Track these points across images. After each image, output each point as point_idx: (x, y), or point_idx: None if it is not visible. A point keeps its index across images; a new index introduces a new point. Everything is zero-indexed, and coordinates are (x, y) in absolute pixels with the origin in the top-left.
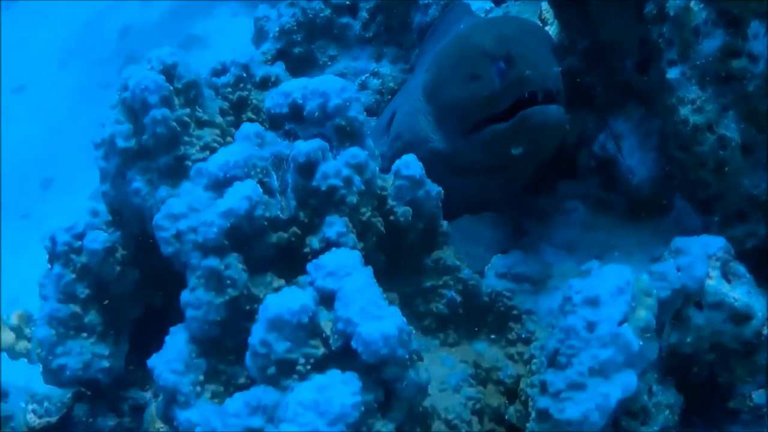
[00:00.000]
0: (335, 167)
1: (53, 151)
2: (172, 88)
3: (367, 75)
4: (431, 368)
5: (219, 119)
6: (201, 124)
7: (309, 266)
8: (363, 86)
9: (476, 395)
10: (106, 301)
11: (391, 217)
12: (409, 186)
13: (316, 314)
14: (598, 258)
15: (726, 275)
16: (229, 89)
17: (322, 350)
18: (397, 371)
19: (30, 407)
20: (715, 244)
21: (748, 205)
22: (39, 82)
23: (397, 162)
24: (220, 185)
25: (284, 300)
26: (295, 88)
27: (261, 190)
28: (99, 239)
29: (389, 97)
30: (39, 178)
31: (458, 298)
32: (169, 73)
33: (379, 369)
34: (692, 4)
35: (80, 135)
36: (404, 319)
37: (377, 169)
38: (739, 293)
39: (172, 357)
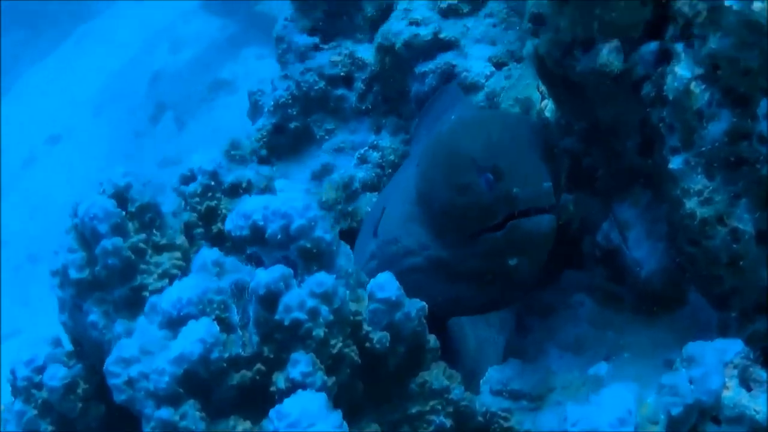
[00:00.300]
0: (299, 298)
1: None
2: (124, 213)
3: (366, 148)
4: None
5: (180, 240)
6: (159, 248)
7: (271, 413)
8: (362, 160)
9: None
10: None
11: (367, 344)
12: (385, 309)
13: None
14: (606, 359)
15: (746, 382)
16: (197, 199)
17: None
18: None
19: None
20: (732, 348)
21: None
22: (74, 132)
23: (372, 283)
24: (174, 324)
25: None
26: (255, 208)
27: (217, 329)
28: (58, 375)
29: (390, 171)
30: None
31: (448, 423)
32: (122, 196)
33: None
34: (693, 85)
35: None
36: None
37: (347, 293)
38: (761, 403)
39: None
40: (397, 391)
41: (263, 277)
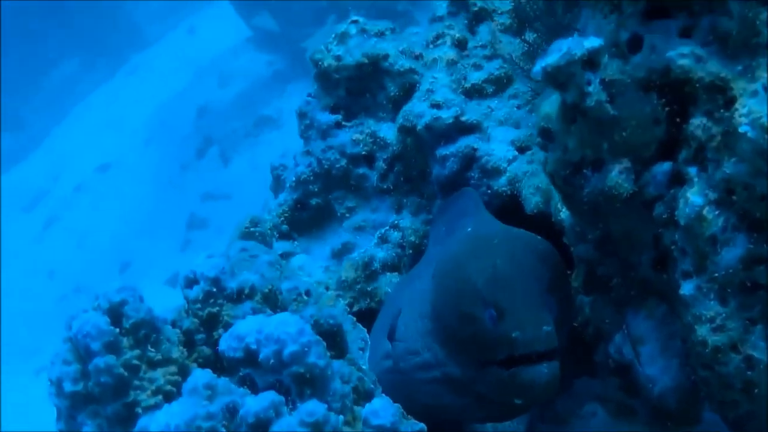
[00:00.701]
0: (289, 428)
1: (133, 232)
2: (117, 331)
3: (387, 228)
4: None
5: (176, 353)
6: (153, 364)
7: None
8: (383, 240)
9: None
10: None
11: None
12: None
13: None
14: None
15: None
16: (198, 305)
17: None
18: None
19: None
20: None
21: None
22: (123, 161)
23: (366, 409)
24: None
25: None
26: (248, 331)
27: None
28: None
29: (410, 251)
30: (118, 260)
31: None
32: (117, 311)
33: None
34: (706, 211)
35: (159, 217)
36: None
37: (340, 422)
38: None
39: None
40: None
41: (253, 405)
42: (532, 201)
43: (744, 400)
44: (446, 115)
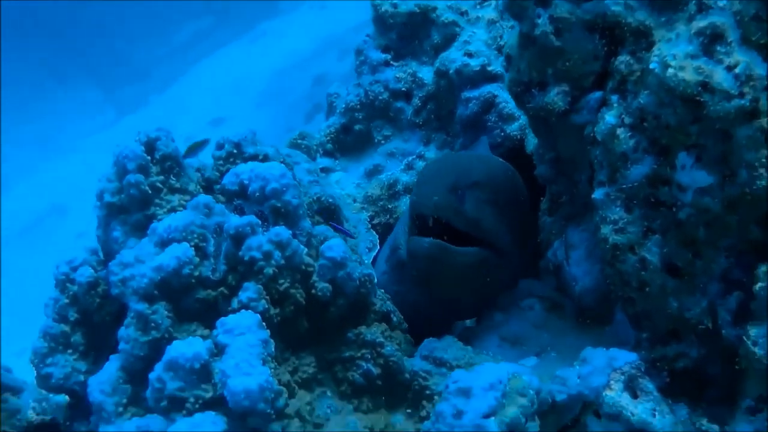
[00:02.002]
0: (258, 242)
1: None
2: (149, 158)
3: (414, 157)
4: (333, 427)
5: (192, 187)
6: (173, 190)
7: (217, 322)
8: (409, 167)
9: None
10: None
11: (313, 291)
12: (329, 266)
13: (209, 363)
14: (537, 355)
15: (633, 390)
16: (221, 162)
17: (210, 393)
18: (259, 421)
19: (32, 405)
20: (623, 358)
21: (682, 326)
22: (235, 118)
23: (324, 245)
24: (163, 244)
25: (182, 346)
26: (244, 170)
27: (192, 253)
28: (85, 274)
29: None
30: None
31: (375, 371)
32: (151, 146)
33: (244, 417)
34: (619, 131)
35: None
36: (270, 378)
37: (301, 247)
38: (641, 409)
39: (104, 380)
40: (337, 337)
41: (235, 221)
42: (531, 143)
43: (639, 298)
44: (474, 63)
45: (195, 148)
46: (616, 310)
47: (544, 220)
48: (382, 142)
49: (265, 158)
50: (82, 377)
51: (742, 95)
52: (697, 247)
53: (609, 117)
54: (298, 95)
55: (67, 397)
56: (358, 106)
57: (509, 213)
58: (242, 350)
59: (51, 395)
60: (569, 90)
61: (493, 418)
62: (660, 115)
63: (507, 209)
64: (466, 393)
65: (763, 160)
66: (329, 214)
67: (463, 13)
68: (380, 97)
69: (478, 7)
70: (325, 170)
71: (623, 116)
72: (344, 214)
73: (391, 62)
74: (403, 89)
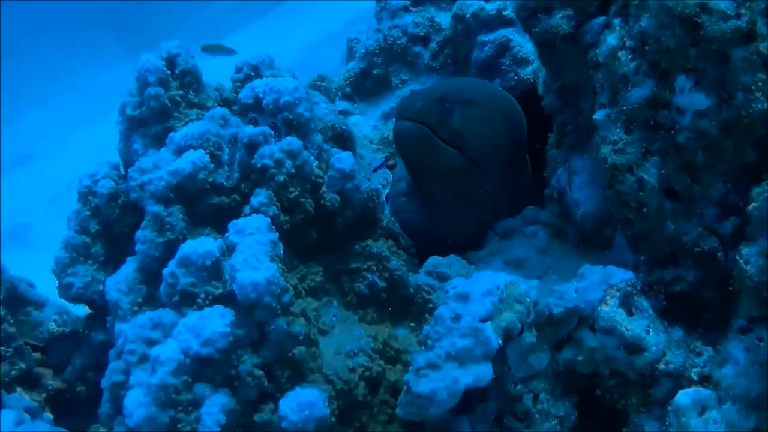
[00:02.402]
0: (270, 150)
1: None
2: (169, 73)
3: None
4: (338, 335)
5: (210, 103)
6: (191, 105)
7: (229, 224)
8: None
9: (369, 365)
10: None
11: (322, 201)
12: (338, 177)
13: (219, 261)
14: (538, 278)
15: (629, 307)
16: (239, 84)
17: (220, 290)
18: (265, 314)
19: (53, 317)
20: (619, 275)
21: (680, 250)
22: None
23: (333, 156)
24: (180, 151)
25: (194, 244)
26: (260, 85)
27: (207, 159)
28: (106, 186)
29: None
30: None
31: (380, 283)
32: (172, 61)
33: (251, 311)
34: (620, 53)
35: None
36: (277, 274)
37: (311, 158)
38: (635, 325)
39: (120, 279)
40: (344, 248)
41: (249, 130)
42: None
43: (637, 218)
44: (490, 8)
45: (216, 49)
46: (615, 234)
47: (551, 154)
48: (400, 85)
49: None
50: (101, 287)
51: (738, 16)
52: (696, 171)
53: (611, 39)
54: (330, 70)
55: (86, 308)
56: (377, 51)
57: (503, 139)
58: (251, 246)
59: (70, 309)
60: (574, 14)
61: (489, 322)
62: (660, 38)
63: (501, 135)
64: (465, 298)
65: (760, 83)
66: (342, 141)
67: None
68: (398, 42)
69: None
70: (344, 113)
71: (625, 39)
72: (360, 153)
73: (410, 8)
74: (421, 34)
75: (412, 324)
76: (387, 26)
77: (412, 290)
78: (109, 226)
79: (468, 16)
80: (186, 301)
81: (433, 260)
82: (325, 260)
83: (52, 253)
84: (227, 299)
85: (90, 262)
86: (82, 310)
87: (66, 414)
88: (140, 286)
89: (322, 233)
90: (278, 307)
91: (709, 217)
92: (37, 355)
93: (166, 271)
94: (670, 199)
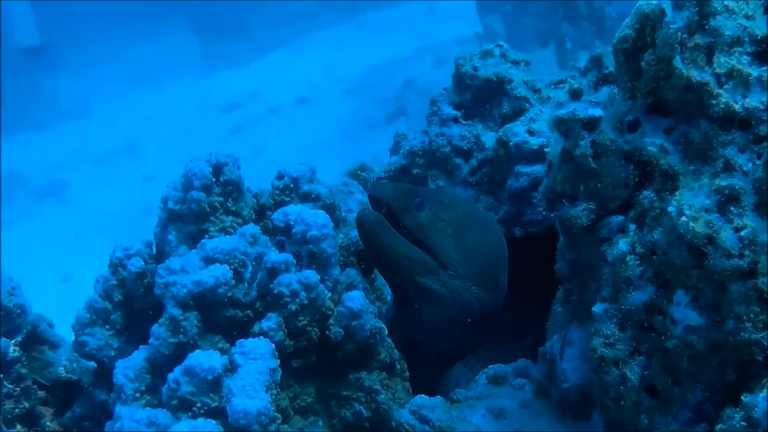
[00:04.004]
0: (289, 280)
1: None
2: (214, 180)
3: None
4: None
5: (246, 212)
6: (228, 212)
7: (237, 342)
8: None
9: None
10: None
11: (327, 332)
12: (346, 314)
13: (221, 377)
14: None
15: None
16: (278, 192)
17: (216, 403)
18: None
19: (64, 362)
20: None
21: None
22: (320, 102)
23: (345, 293)
24: (208, 261)
25: (201, 357)
26: (293, 212)
27: (230, 276)
28: (137, 264)
29: None
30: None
31: (365, 413)
32: (219, 169)
33: None
34: (628, 258)
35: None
36: (269, 405)
37: (326, 292)
38: None
39: (130, 365)
40: (340, 376)
41: (274, 257)
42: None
43: (614, 407)
44: (534, 142)
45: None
46: (594, 411)
47: (555, 309)
48: None
49: (318, 197)
50: (112, 352)
51: (741, 256)
52: (678, 375)
53: (622, 244)
54: (387, 93)
55: (95, 365)
56: (420, 152)
57: (476, 253)
58: (251, 374)
59: (82, 360)
60: (595, 208)
61: None
62: (668, 253)
63: (474, 248)
64: None
65: (752, 315)
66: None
67: (536, 90)
68: (442, 150)
69: (552, 87)
70: None
71: (636, 245)
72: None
73: (460, 119)
74: (465, 148)
75: None
76: (435, 132)
77: (394, 424)
78: (132, 299)
79: (511, 144)
80: (183, 407)
81: (419, 400)
82: (320, 383)
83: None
84: (221, 413)
85: (107, 327)
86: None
87: None
88: (146, 375)
89: (322, 358)
90: None
91: (682, 419)
92: (41, 394)
93: (170, 376)
94: (649, 395)
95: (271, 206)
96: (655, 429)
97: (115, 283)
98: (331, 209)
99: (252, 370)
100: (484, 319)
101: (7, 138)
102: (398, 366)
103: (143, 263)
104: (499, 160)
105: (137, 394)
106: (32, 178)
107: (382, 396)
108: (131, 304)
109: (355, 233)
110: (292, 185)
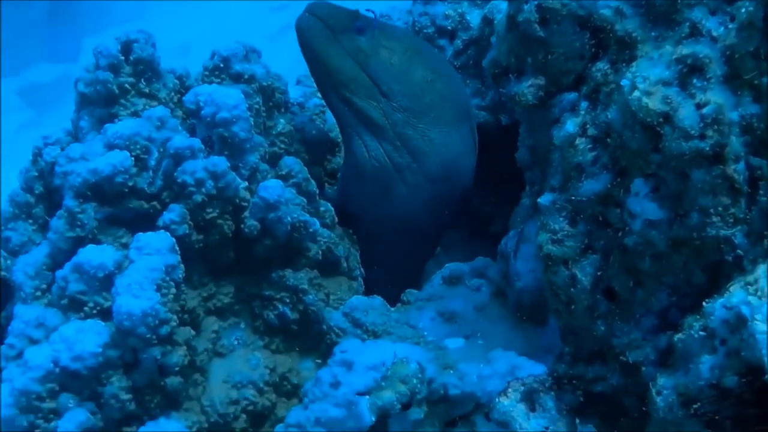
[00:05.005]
0: (193, 167)
1: None
2: (122, 58)
3: None
4: (235, 360)
5: (164, 94)
6: (141, 94)
7: (135, 236)
8: None
9: (254, 399)
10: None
11: (242, 225)
12: (261, 206)
13: (113, 275)
14: (465, 338)
15: (531, 403)
16: (206, 74)
17: (109, 303)
18: (137, 343)
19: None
20: (528, 369)
21: (608, 351)
22: None
23: (261, 183)
24: (109, 147)
25: (91, 253)
26: (203, 92)
27: (130, 163)
28: (51, 153)
29: None
30: None
31: (291, 315)
32: (128, 47)
33: (126, 335)
34: (578, 141)
35: None
36: (157, 306)
37: (237, 181)
38: (532, 424)
39: (30, 262)
40: (262, 273)
41: (177, 142)
42: None
43: (565, 312)
44: None
45: None
46: (550, 315)
47: (522, 201)
48: None
49: (251, 78)
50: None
51: (702, 137)
52: (640, 276)
53: (570, 125)
54: None
55: None
56: None
57: (421, 89)
58: (140, 271)
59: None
60: (545, 84)
61: (367, 396)
62: (623, 135)
63: (418, 82)
64: (349, 366)
65: (720, 208)
66: (312, 146)
67: None
68: (425, 30)
69: None
70: None
71: (588, 126)
72: None
73: None
74: (449, 28)
75: (319, 360)
76: (418, 11)
77: (324, 327)
78: (51, 192)
79: (496, 21)
80: (73, 306)
81: (353, 302)
82: (239, 281)
83: None
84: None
85: (30, 222)
86: None
87: None
88: (47, 272)
89: (241, 254)
90: (153, 337)
91: (645, 326)
92: None
93: (59, 274)
94: (607, 299)
95: None
96: (614, 337)
97: (36, 174)
98: (268, 91)
99: (142, 267)
100: (447, 182)
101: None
102: (344, 264)
103: (60, 151)
104: (485, 40)
105: (38, 293)
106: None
107: (311, 296)
108: (51, 198)
109: (300, 119)
110: (222, 65)
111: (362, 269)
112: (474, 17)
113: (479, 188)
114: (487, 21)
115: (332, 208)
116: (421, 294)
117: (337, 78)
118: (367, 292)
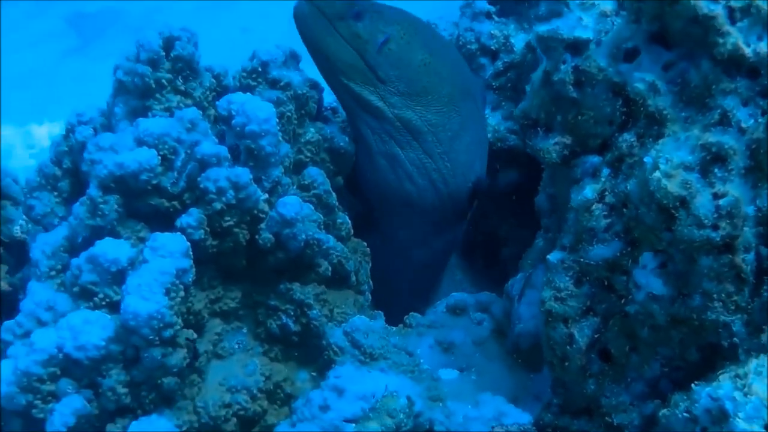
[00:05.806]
0: (216, 176)
1: None
2: (163, 54)
3: None
4: (233, 363)
5: (199, 93)
6: (177, 91)
7: (151, 236)
8: None
9: (246, 405)
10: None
11: (257, 236)
12: (277, 221)
13: (126, 270)
14: (460, 370)
15: None
16: (244, 75)
17: (119, 297)
18: (140, 342)
19: (20, 222)
20: (514, 417)
21: (596, 409)
22: None
23: (281, 199)
24: (138, 142)
25: (107, 246)
26: (237, 101)
27: (156, 162)
28: (83, 133)
29: None
30: None
31: (293, 328)
32: (169, 43)
33: (130, 333)
34: (594, 207)
35: None
36: (164, 309)
37: (258, 193)
38: None
39: (48, 241)
40: (271, 284)
41: (205, 148)
42: None
43: (559, 366)
44: None
45: None
46: (545, 364)
47: (537, 242)
48: None
49: (287, 86)
50: (56, 221)
51: (715, 228)
52: (637, 342)
53: (588, 190)
54: None
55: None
56: None
57: (418, 72)
58: (151, 273)
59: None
60: (571, 144)
61: (353, 425)
62: (639, 208)
63: (415, 65)
64: (340, 392)
65: (723, 294)
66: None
67: None
68: (468, 46)
69: None
70: None
71: (606, 193)
72: None
73: (494, 15)
74: (492, 48)
75: (314, 373)
76: (465, 26)
77: (324, 343)
78: (78, 169)
79: (539, 50)
80: (84, 295)
81: (355, 322)
82: (248, 288)
83: None
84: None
85: (55, 193)
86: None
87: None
88: (63, 254)
89: (253, 263)
90: (156, 339)
91: (635, 391)
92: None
93: (74, 262)
94: (601, 360)
95: (235, 89)
96: (603, 397)
97: (66, 149)
98: (302, 99)
99: (154, 269)
100: (446, 158)
101: None
102: (353, 278)
103: (92, 132)
104: (526, 65)
105: (52, 272)
106: (131, 15)
107: (315, 311)
108: (78, 174)
109: (330, 129)
110: (260, 69)
111: (371, 282)
112: (518, 41)
113: (501, 209)
114: (531, 48)
115: (349, 221)
116: (423, 319)
117: (336, 65)
118: (377, 302)
